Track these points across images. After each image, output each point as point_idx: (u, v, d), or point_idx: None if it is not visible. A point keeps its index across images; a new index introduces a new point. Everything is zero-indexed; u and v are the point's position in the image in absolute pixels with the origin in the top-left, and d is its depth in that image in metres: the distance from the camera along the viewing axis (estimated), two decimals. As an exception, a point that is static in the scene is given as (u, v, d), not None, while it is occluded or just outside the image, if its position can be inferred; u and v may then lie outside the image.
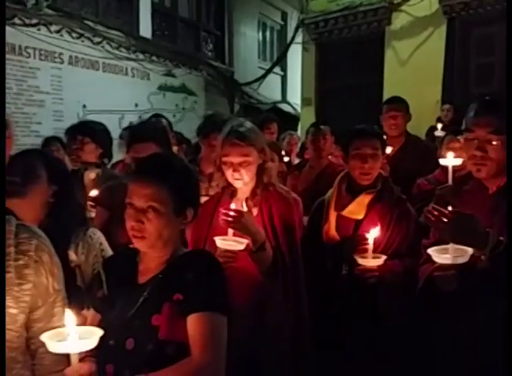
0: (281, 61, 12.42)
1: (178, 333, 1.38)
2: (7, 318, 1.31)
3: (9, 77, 7.18)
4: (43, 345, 1.29)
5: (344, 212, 2.45)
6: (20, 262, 1.36)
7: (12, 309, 1.33)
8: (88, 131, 2.99)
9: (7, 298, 1.32)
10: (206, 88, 11.21)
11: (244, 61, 12.24)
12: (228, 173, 2.09)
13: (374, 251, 2.25)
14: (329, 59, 8.02)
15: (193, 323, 1.38)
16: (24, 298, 1.36)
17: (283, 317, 2.05)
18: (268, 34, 13.89)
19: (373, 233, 2.23)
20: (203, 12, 11.23)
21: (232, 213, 1.89)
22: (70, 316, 1.23)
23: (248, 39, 12.68)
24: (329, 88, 8.11)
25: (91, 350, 1.29)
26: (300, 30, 8.67)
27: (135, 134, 2.46)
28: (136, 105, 9.32)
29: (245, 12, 12.31)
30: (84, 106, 8.19)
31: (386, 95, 6.16)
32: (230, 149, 2.07)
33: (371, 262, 2.22)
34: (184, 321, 1.39)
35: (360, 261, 2.22)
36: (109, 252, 1.90)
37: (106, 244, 1.94)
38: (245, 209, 2.01)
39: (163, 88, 10.06)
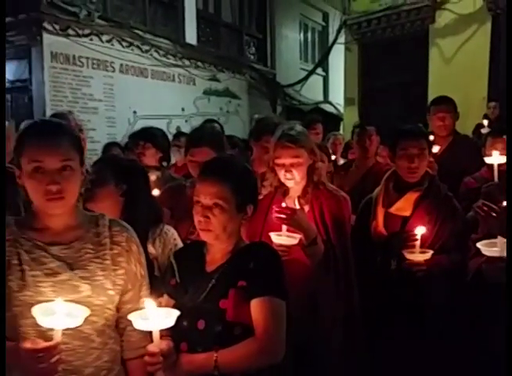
0: (323, 62, 12.46)
1: (243, 315, 1.55)
2: (106, 299, 1.51)
3: (65, 86, 7.59)
4: (131, 323, 1.48)
5: (392, 209, 2.55)
6: (115, 251, 1.56)
7: (110, 291, 1.53)
8: (150, 137, 3.20)
9: (106, 281, 1.52)
10: (249, 91, 11.43)
11: (286, 63, 12.37)
12: (281, 173, 2.25)
13: (422, 246, 2.35)
14: (372, 59, 8.07)
15: (256, 307, 1.55)
16: (119, 282, 1.55)
17: (335, 306, 2.18)
18: (309, 35, 13.97)
19: (421, 229, 2.32)
20: (246, 17, 11.43)
21: (285, 211, 2.04)
22: (151, 299, 1.41)
23: (290, 41, 12.80)
24: (372, 87, 8.16)
25: (168, 330, 1.47)
26: (342, 30, 8.74)
27: (192, 139, 2.65)
28: (183, 109, 9.62)
29: (286, 14, 12.44)
30: (135, 112, 8.52)
31: (431, 94, 6.19)
32: (282, 151, 2.23)
33: (419, 256, 2.32)
34: (248, 305, 1.56)
35: (408, 256, 2.32)
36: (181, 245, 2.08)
37: (179, 240, 2.13)
38: (297, 207, 2.16)
39: (208, 92, 10.34)
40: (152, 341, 1.42)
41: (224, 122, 10.39)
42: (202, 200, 1.63)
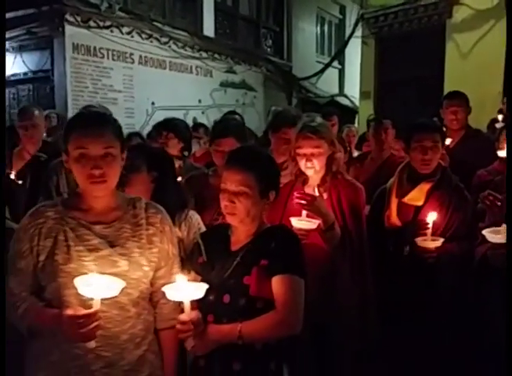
0: (340, 56, 12.49)
1: (264, 291, 1.69)
2: (141, 273, 1.66)
3: (86, 77, 7.76)
4: (163, 297, 1.64)
5: (405, 199, 2.67)
6: (150, 231, 1.71)
7: (145, 267, 1.68)
8: (172, 127, 3.34)
9: (142, 258, 1.66)
10: (265, 84, 11.52)
11: (302, 55, 12.42)
12: (302, 163, 2.39)
13: (433, 234, 2.46)
14: (389, 53, 8.10)
15: (277, 283, 1.68)
16: (153, 259, 1.70)
17: (350, 288, 2.32)
18: (326, 28, 13.98)
19: (432, 216, 2.44)
20: (263, 9, 11.50)
21: (306, 197, 2.18)
22: (184, 274, 1.55)
23: (306, 34, 12.84)
24: (388, 81, 8.19)
25: (196, 303, 1.60)
26: (359, 24, 8.78)
27: (218, 130, 2.79)
28: (200, 101, 9.75)
29: (303, 7, 12.47)
30: (153, 103, 8.68)
31: (447, 88, 6.24)
32: (303, 141, 2.37)
33: (430, 244, 2.43)
34: (269, 282, 1.69)
35: (420, 243, 2.44)
36: (204, 229, 2.22)
37: (202, 224, 2.27)
38: (317, 194, 2.29)
39: (224, 84, 10.45)
40: (183, 311, 1.57)
41: (240, 114, 10.53)
42: (228, 187, 1.76)
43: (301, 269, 1.74)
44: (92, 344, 1.47)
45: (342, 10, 13.87)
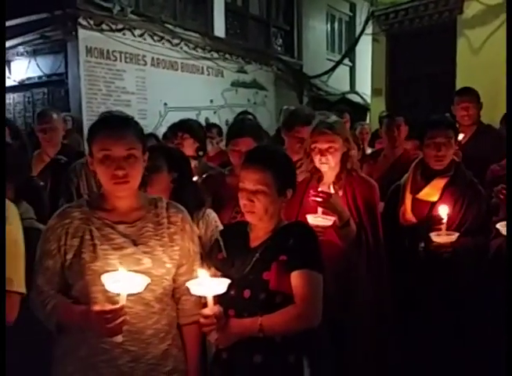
0: (350, 53, 12.47)
1: (283, 286, 1.73)
2: (164, 270, 1.71)
3: (99, 80, 7.84)
4: (185, 293, 1.70)
5: (420, 195, 2.70)
6: (171, 230, 1.77)
7: (167, 264, 1.73)
8: (188, 128, 3.40)
9: (164, 256, 1.72)
10: (275, 83, 11.53)
11: (313, 53, 12.41)
12: (317, 158, 2.44)
13: (448, 229, 2.50)
14: (400, 50, 8.09)
15: (296, 278, 1.73)
16: (175, 257, 1.76)
17: (365, 284, 2.36)
18: (336, 25, 13.95)
19: (446, 212, 2.47)
20: (273, 9, 11.52)
21: (321, 195, 2.22)
22: (205, 270, 1.60)
23: (317, 32, 12.83)
24: (399, 78, 8.18)
25: (218, 299, 1.65)
26: (370, 21, 8.78)
27: (235, 130, 2.84)
28: (211, 101, 9.80)
29: (313, 5, 12.46)
30: (166, 104, 8.74)
31: (458, 84, 6.23)
32: (319, 137, 2.42)
33: (445, 238, 2.47)
34: (288, 277, 1.74)
35: (435, 238, 2.47)
36: (221, 227, 2.27)
37: (219, 222, 2.32)
38: (332, 191, 2.33)
39: (235, 84, 10.49)
40: (204, 307, 1.62)
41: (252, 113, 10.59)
42: (246, 186, 1.81)
43: (319, 264, 1.78)
44: (119, 338, 1.53)
45: (352, 7, 13.84)
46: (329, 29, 13.63)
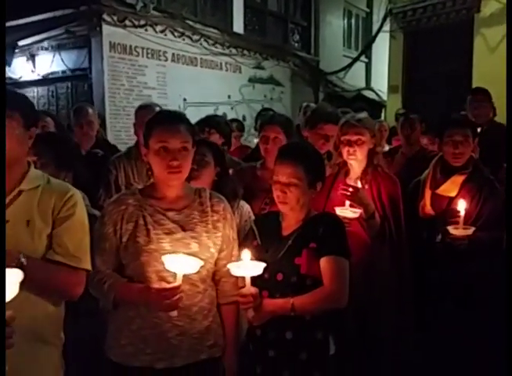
0: (367, 50, 12.54)
1: (313, 270, 1.92)
2: (208, 254, 1.89)
3: (122, 75, 8.02)
4: (225, 276, 1.90)
5: (439, 190, 2.87)
6: (214, 218, 1.95)
7: (212, 249, 1.91)
8: (214, 123, 3.57)
9: (209, 241, 1.89)
10: (292, 79, 11.64)
11: (329, 50, 12.48)
12: (345, 150, 2.61)
13: (465, 223, 2.65)
14: (417, 47, 8.20)
15: (324, 263, 1.91)
16: (217, 242, 1.94)
17: (388, 272, 2.54)
18: (353, 21, 13.98)
19: (463, 207, 2.62)
20: (291, 4, 11.61)
21: (350, 189, 2.40)
22: (246, 253, 1.78)
23: (333, 28, 12.89)
24: (416, 75, 8.29)
25: (253, 281, 1.83)
26: (387, 18, 8.88)
27: (266, 119, 3.06)
28: (229, 97, 9.94)
29: (331, 1, 12.52)
30: (185, 99, 8.89)
31: (475, 82, 6.34)
32: (348, 129, 2.61)
33: (461, 232, 2.62)
34: (318, 262, 1.92)
35: (452, 231, 2.62)
36: (253, 217, 2.45)
37: (252, 213, 2.50)
38: (359, 186, 2.51)
39: (253, 80, 10.62)
40: (242, 287, 1.81)
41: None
42: (280, 179, 1.99)
43: (346, 250, 1.97)
44: (175, 313, 1.72)
45: (369, 3, 13.86)
46: (345, 25, 13.67)
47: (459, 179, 2.83)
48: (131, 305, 1.84)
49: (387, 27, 9.15)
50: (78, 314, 1.91)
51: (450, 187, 2.83)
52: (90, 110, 3.82)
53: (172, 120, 1.87)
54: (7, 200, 1.66)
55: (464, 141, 2.81)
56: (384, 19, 8.99)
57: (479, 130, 3.73)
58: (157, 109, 3.28)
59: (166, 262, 1.67)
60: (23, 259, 1.52)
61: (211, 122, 3.63)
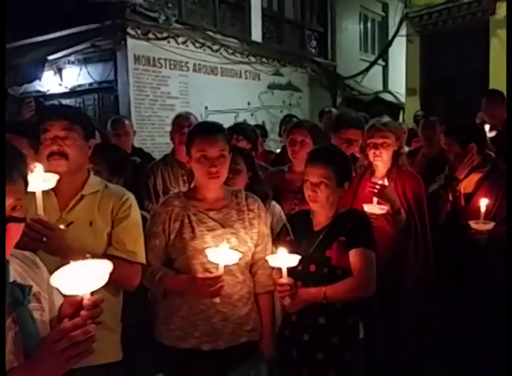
0: (384, 54, 12.65)
1: (343, 261, 2.11)
2: (246, 248, 2.09)
3: (146, 86, 8.29)
4: (261, 268, 2.12)
5: (458, 187, 3.02)
6: (250, 216, 2.16)
7: (249, 243, 2.12)
8: (242, 131, 3.79)
9: (246, 237, 2.10)
10: (310, 84, 11.81)
11: (346, 54, 12.62)
12: (371, 153, 2.80)
13: (485, 218, 2.80)
14: (434, 50, 8.33)
15: (353, 255, 2.10)
16: (254, 237, 2.15)
17: (413, 266, 2.71)
18: (369, 25, 14.10)
19: (485, 203, 2.78)
20: (307, 11, 11.78)
21: (378, 186, 2.59)
22: (282, 247, 1.98)
23: (350, 33, 13.04)
24: (434, 77, 8.41)
25: (288, 271, 2.02)
26: (403, 23, 9.02)
27: (294, 123, 3.27)
28: (249, 103, 10.17)
29: (347, 6, 12.68)
30: (206, 107, 9.13)
31: (492, 84, 6.46)
32: (374, 132, 2.79)
33: (482, 226, 2.77)
34: (347, 254, 2.11)
35: (473, 225, 2.78)
36: (284, 216, 2.65)
37: (282, 212, 2.69)
38: (386, 183, 2.70)
39: (271, 86, 10.83)
40: (276, 278, 2.02)
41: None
42: (311, 179, 2.19)
43: (373, 243, 2.15)
44: (217, 299, 1.93)
45: (385, 8, 13.99)
46: (362, 29, 13.80)
47: (475, 177, 2.99)
48: (179, 294, 2.05)
49: (403, 30, 9.28)
50: (136, 303, 2.12)
51: (468, 184, 3.00)
52: (126, 122, 4.09)
53: (210, 130, 2.09)
54: (71, 204, 1.89)
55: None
56: (401, 24, 9.14)
57: (494, 133, 3.91)
58: (192, 117, 3.52)
59: (209, 255, 1.88)
60: (88, 256, 1.74)
61: (239, 129, 3.85)
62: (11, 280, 1.19)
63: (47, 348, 1.08)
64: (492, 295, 2.79)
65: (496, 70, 7.10)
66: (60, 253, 1.71)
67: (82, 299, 1.10)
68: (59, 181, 1.80)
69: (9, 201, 1.11)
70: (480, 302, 2.82)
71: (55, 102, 8.72)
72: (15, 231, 1.15)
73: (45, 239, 1.70)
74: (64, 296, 1.16)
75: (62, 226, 1.81)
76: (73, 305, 1.12)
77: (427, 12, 8.08)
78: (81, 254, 1.69)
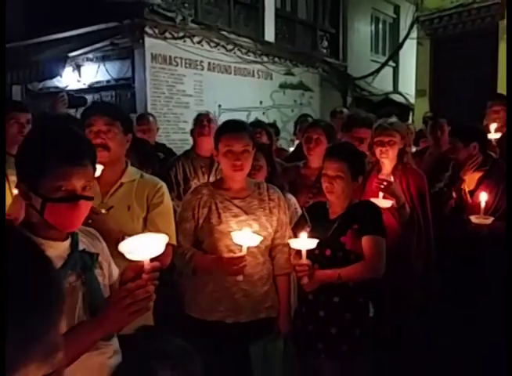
0: (395, 55, 12.80)
1: (356, 246, 2.33)
2: (266, 233, 2.32)
3: (162, 84, 8.52)
4: (279, 252, 2.36)
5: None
6: (271, 205, 2.40)
7: (269, 229, 2.36)
8: (263, 126, 4.04)
9: (267, 223, 2.34)
10: (321, 84, 12.00)
11: (357, 55, 12.79)
12: (378, 150, 3.02)
13: (485, 213, 3.01)
14: (444, 53, 8.49)
15: (365, 241, 2.33)
16: (274, 224, 2.39)
17: (416, 258, 2.93)
18: (380, 27, 14.24)
19: (484, 199, 2.99)
20: (320, 12, 11.96)
21: (385, 182, 2.81)
22: (303, 232, 2.20)
23: (361, 34, 13.20)
24: (443, 80, 8.58)
25: (307, 254, 2.24)
26: (414, 26, 9.19)
27: (311, 123, 3.51)
28: (261, 102, 10.37)
29: (358, 8, 12.84)
30: (220, 105, 9.36)
31: (500, 88, 6.63)
32: (381, 132, 3.02)
33: (482, 221, 2.99)
34: (360, 240, 2.34)
35: (474, 220, 3.00)
36: (299, 208, 2.86)
37: (297, 204, 2.90)
38: (392, 179, 2.91)
39: (283, 86, 11.03)
40: (295, 261, 2.25)
41: (297, 113, 11.11)
42: (328, 173, 2.41)
43: (383, 230, 2.38)
44: (240, 277, 2.17)
45: (396, 9, 14.13)
46: (373, 31, 13.94)
47: (475, 176, 3.21)
48: (206, 272, 2.29)
49: (414, 33, 9.46)
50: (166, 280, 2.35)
51: (469, 182, 3.22)
52: (151, 119, 4.33)
53: (236, 128, 2.34)
54: (112, 190, 2.12)
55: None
56: (411, 27, 9.31)
57: (499, 135, 4.11)
58: (211, 116, 3.77)
59: (234, 237, 2.12)
60: (126, 237, 1.97)
61: (262, 125, 4.11)
62: (80, 248, 1.42)
63: (114, 303, 1.31)
64: (493, 290, 3.00)
65: (505, 74, 7.26)
66: (102, 233, 1.93)
67: (143, 265, 1.33)
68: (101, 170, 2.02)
69: (80, 182, 1.34)
70: (480, 292, 3.02)
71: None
72: (85, 207, 1.38)
73: (90, 221, 1.93)
74: (129, 261, 1.38)
75: (103, 210, 2.03)
76: (136, 269, 1.35)
77: (438, 16, 8.25)
78: (120, 235, 1.93)
